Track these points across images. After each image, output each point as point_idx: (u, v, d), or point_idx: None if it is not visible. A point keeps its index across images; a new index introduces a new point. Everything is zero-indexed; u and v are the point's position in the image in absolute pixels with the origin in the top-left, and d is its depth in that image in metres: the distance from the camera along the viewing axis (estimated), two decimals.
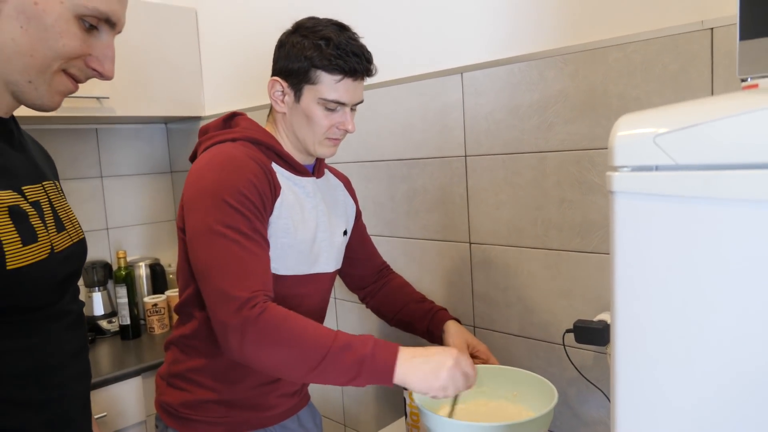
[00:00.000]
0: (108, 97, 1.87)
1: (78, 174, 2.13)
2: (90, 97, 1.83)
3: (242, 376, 1.08)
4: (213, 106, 2.09)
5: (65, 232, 0.80)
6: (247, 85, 1.94)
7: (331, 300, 1.73)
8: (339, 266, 1.21)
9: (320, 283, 1.14)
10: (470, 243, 1.34)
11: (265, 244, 0.98)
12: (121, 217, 2.24)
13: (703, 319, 0.44)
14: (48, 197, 0.80)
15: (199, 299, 1.05)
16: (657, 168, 0.46)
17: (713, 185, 0.43)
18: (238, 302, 0.89)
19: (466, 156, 1.32)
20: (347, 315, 1.69)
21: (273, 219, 1.02)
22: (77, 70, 0.74)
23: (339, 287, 1.69)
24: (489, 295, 1.32)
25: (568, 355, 1.15)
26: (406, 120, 1.44)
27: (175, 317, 1.16)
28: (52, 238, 0.76)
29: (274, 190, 1.03)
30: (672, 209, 0.45)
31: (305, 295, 1.10)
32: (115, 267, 2.04)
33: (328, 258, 1.14)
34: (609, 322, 1.06)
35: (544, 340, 1.22)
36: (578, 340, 1.08)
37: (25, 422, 0.73)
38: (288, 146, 1.10)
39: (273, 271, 1.02)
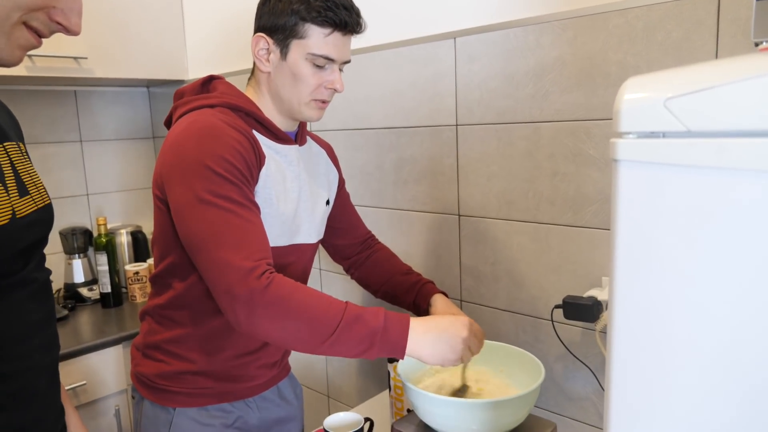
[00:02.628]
0: (86, 58, 1.79)
1: (57, 138, 2.05)
2: (67, 57, 1.75)
3: (220, 347, 1.05)
4: (197, 69, 2.01)
5: (29, 196, 0.75)
6: (232, 47, 1.86)
7: (316, 271, 1.70)
8: (321, 236, 1.17)
9: (302, 254, 1.10)
10: (459, 215, 1.31)
11: (257, 210, 0.95)
12: (102, 183, 2.17)
13: (712, 297, 0.41)
14: (10, 159, 0.75)
15: (178, 270, 1.01)
16: (666, 135, 0.42)
17: (727, 154, 0.39)
18: (242, 271, 0.85)
19: (457, 125, 1.28)
20: (332, 286, 1.66)
21: (257, 189, 0.98)
22: (39, 23, 0.68)
23: (324, 258, 1.66)
24: (477, 268, 1.29)
25: (555, 331, 1.13)
26: (396, 87, 1.38)
27: (148, 288, 1.12)
28: (13, 203, 0.71)
29: (259, 158, 0.98)
30: (681, 179, 0.41)
31: (287, 266, 1.07)
32: (95, 234, 1.98)
33: (310, 228, 1.10)
34: (599, 298, 1.04)
35: (531, 315, 1.20)
36: (567, 316, 1.05)
37: None
38: (270, 112, 1.05)
39: None
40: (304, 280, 1.16)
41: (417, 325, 0.88)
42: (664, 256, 0.43)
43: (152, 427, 1.08)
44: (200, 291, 1.00)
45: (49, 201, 0.81)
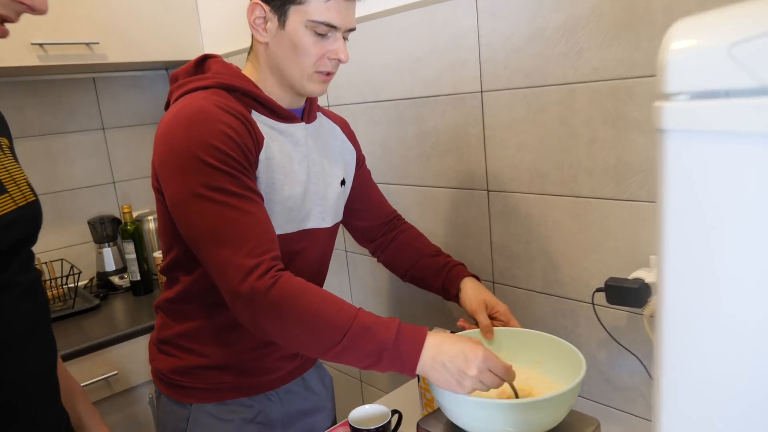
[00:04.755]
0: (98, 42, 1.74)
1: (78, 126, 2.03)
2: (78, 43, 1.70)
3: (233, 340, 0.99)
4: (213, 48, 1.93)
5: (7, 194, 0.69)
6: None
7: (341, 253, 1.63)
8: (338, 219, 1.09)
9: (315, 239, 1.02)
10: (488, 190, 1.20)
11: (260, 199, 0.88)
12: (127, 170, 2.15)
13: None
14: None
15: (184, 263, 0.96)
16: (730, 93, 0.31)
17: None
18: (243, 270, 0.80)
19: (482, 92, 1.16)
20: (358, 269, 1.59)
21: (258, 174, 0.90)
22: (2, 8, 0.62)
23: (350, 239, 1.58)
24: (509, 248, 1.18)
25: (597, 317, 1.02)
26: (414, 53, 1.27)
27: (163, 279, 1.07)
28: None
29: (257, 142, 0.90)
30: (749, 152, 0.30)
31: (299, 253, 0.99)
32: (122, 222, 1.97)
33: (323, 212, 1.02)
34: (646, 280, 0.92)
35: (570, 298, 1.10)
36: (610, 300, 0.94)
37: None
38: (271, 88, 0.96)
39: None
40: (323, 267, 1.09)
41: (431, 345, 0.81)
42: (723, 234, 0.33)
43: (171, 423, 1.04)
44: (207, 284, 0.94)
45: (34, 198, 0.76)
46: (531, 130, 1.09)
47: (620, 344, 1.01)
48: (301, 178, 0.96)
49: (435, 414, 0.93)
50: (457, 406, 0.82)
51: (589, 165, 1.02)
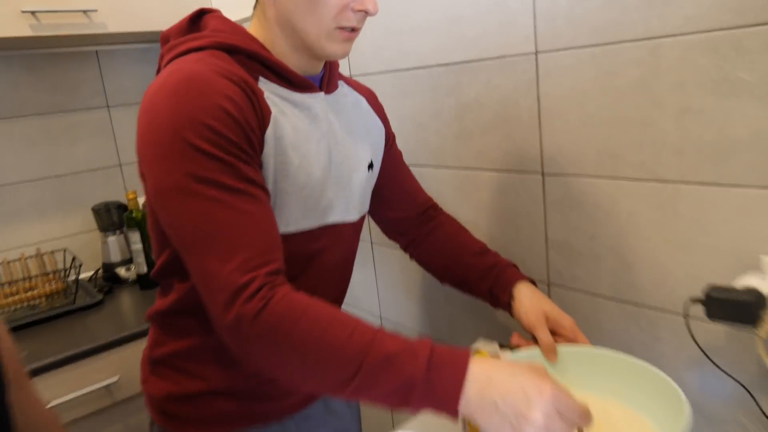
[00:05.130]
0: (96, 10, 1.56)
1: (82, 104, 1.87)
2: (74, 11, 1.53)
3: (238, 361, 0.82)
4: (224, 9, 1.74)
5: None
6: None
7: (366, 245, 1.44)
8: (365, 211, 0.90)
9: (339, 237, 0.83)
10: (543, 174, 0.99)
11: (263, 193, 0.69)
12: (135, 152, 1.99)
13: None
14: None
15: (176, 268, 0.78)
16: None
17: None
18: (229, 290, 0.63)
19: (537, 53, 0.95)
20: (386, 262, 1.40)
21: (264, 158, 0.71)
22: None
23: (375, 228, 1.39)
24: (569, 244, 0.98)
25: (691, 332, 0.82)
26: (452, 9, 1.06)
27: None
28: None
29: (262, 117, 0.71)
30: None
31: (318, 253, 0.81)
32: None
33: (348, 203, 0.83)
34: (761, 289, 0.71)
35: (649, 307, 0.89)
36: (712, 315, 0.74)
37: None
38: (282, 50, 0.77)
39: None
40: (346, 270, 0.90)
41: (476, 377, 0.61)
42: None
43: None
44: None
45: None
46: (601, 100, 0.88)
47: (720, 368, 0.80)
48: (320, 161, 0.77)
49: None
50: None
51: (678, 142, 0.80)
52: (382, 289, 1.43)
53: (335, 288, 0.89)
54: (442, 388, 0.60)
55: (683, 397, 0.66)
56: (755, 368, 0.78)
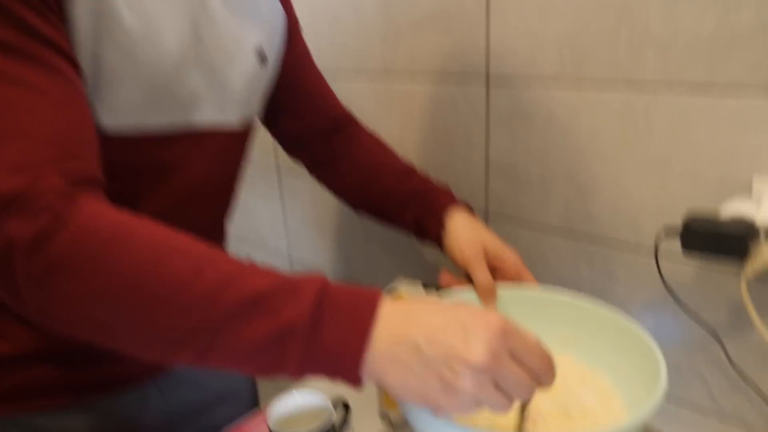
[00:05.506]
0: None
1: None
2: None
3: None
4: None
5: None
6: None
7: (272, 173, 1.21)
8: (252, 115, 0.68)
9: (210, 146, 0.61)
10: (489, 78, 0.81)
11: (65, 65, 0.45)
12: None
13: None
14: None
15: None
16: None
17: None
18: None
19: None
20: (296, 196, 1.19)
21: (69, 8, 0.46)
22: None
23: (284, 154, 1.17)
24: (515, 167, 0.81)
25: (660, 271, 0.68)
26: None
27: None
28: None
29: None
30: None
31: (176, 165, 0.58)
32: None
33: (224, 100, 0.61)
34: (753, 218, 0.58)
35: (606, 242, 0.75)
36: (688, 246, 0.60)
37: None
38: None
39: (96, 121, 0.50)
40: (224, 194, 0.69)
41: (389, 319, 0.41)
42: None
43: None
44: None
45: None
46: None
47: (689, 312, 0.67)
48: (178, 33, 0.53)
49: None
50: None
51: (663, 34, 0.64)
52: (291, 225, 1.23)
53: (204, 219, 0.66)
54: (335, 339, 0.40)
55: (657, 352, 0.51)
56: (725, 313, 0.66)
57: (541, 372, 0.41)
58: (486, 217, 0.87)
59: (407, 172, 0.77)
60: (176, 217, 0.53)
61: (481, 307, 0.43)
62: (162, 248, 0.41)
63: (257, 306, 0.40)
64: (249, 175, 1.28)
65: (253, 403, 0.87)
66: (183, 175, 0.58)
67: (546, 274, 0.81)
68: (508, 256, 0.68)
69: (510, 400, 0.39)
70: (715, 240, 0.59)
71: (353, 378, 0.40)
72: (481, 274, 0.66)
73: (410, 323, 0.40)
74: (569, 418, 0.54)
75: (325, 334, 0.40)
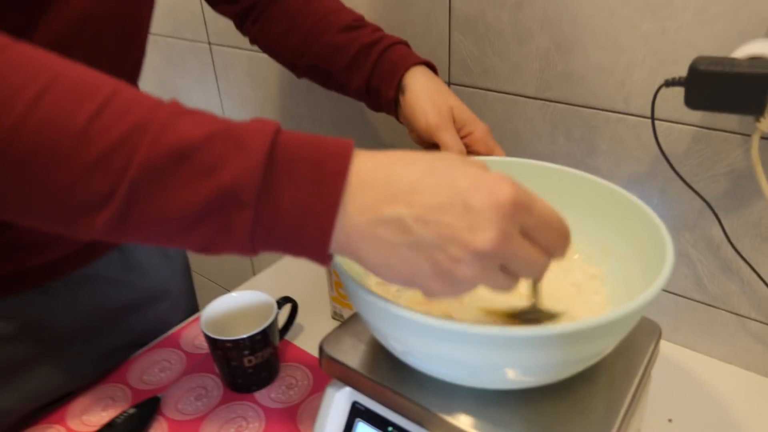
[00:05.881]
0: None
1: None
2: None
3: None
4: None
5: None
6: None
7: (204, 47, 1.04)
8: None
9: None
10: None
11: None
12: None
13: None
14: None
15: None
16: None
17: None
18: None
19: None
20: (231, 68, 1.03)
21: None
22: None
23: (214, 22, 1.00)
24: (485, 18, 0.67)
25: (655, 132, 0.57)
26: None
27: None
28: None
29: None
30: None
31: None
32: None
33: None
34: None
35: (586, 106, 0.64)
36: (694, 98, 0.50)
37: None
38: None
39: None
40: (125, 41, 0.54)
41: (365, 177, 0.31)
42: None
43: None
44: None
45: None
46: None
47: (686, 182, 0.58)
48: None
49: (352, 324, 0.48)
50: (413, 336, 0.36)
51: None
52: (226, 101, 1.08)
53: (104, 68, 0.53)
54: (294, 202, 0.30)
55: (662, 226, 0.42)
56: (723, 183, 0.57)
57: (555, 246, 0.32)
58: (449, 82, 0.74)
59: (354, 23, 0.62)
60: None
61: (480, 163, 0.32)
62: (44, 72, 0.29)
63: (186, 161, 0.29)
64: (178, 55, 1.11)
65: (190, 306, 0.78)
66: (66, 7, 0.43)
67: (516, 148, 0.70)
68: (477, 126, 0.58)
69: (516, 280, 0.32)
70: (729, 87, 0.48)
71: (318, 253, 0.31)
72: (451, 139, 0.55)
73: (394, 192, 0.30)
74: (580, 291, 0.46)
75: (281, 197, 0.29)
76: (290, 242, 0.31)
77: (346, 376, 0.44)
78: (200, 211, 0.29)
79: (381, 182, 0.30)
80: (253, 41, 0.68)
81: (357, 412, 0.45)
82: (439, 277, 0.30)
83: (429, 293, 0.32)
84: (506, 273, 0.31)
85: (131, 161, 0.28)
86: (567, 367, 0.37)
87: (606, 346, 0.37)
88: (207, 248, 0.31)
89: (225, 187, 0.29)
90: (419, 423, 0.40)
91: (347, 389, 0.45)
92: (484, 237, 0.29)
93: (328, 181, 0.30)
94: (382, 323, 0.37)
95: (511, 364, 0.35)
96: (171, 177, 0.29)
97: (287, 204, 0.29)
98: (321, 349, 0.45)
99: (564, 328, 0.32)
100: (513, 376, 0.36)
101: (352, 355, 0.44)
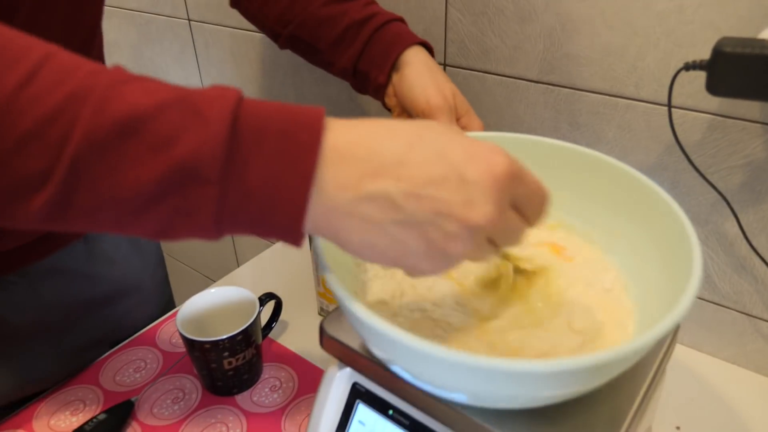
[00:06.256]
0: None
1: None
2: None
3: None
4: None
5: None
6: None
7: (183, 25, 0.98)
8: None
9: None
10: None
11: None
12: None
13: None
14: None
15: None
16: None
17: None
18: None
19: None
20: (213, 43, 0.97)
21: None
22: None
23: (195, 2, 0.94)
24: None
25: (671, 117, 0.53)
26: None
27: None
28: None
29: None
30: None
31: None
32: None
33: None
34: None
35: (593, 91, 0.59)
36: (716, 85, 0.46)
37: None
38: None
39: None
40: (75, 21, 0.48)
41: (343, 148, 0.27)
42: None
43: None
44: None
45: None
46: None
47: (701, 174, 0.54)
48: None
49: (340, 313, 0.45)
50: (400, 353, 0.32)
51: None
52: (207, 80, 1.02)
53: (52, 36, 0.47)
54: (262, 177, 0.26)
55: (685, 221, 0.38)
56: (740, 176, 0.54)
57: (537, 216, 0.32)
58: (444, 66, 0.69)
59: None
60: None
61: (472, 135, 0.29)
62: None
63: (135, 134, 0.25)
64: (156, 31, 1.04)
65: (164, 300, 0.73)
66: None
67: (520, 126, 0.66)
68: (473, 121, 0.54)
69: (498, 250, 0.31)
70: (756, 70, 0.44)
71: (291, 233, 0.28)
72: (450, 122, 0.51)
73: (379, 166, 0.27)
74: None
75: (248, 171, 0.26)
76: (260, 222, 0.27)
77: (347, 357, 0.41)
78: (154, 191, 0.25)
79: (362, 155, 0.27)
80: (233, 4, 0.63)
81: (357, 394, 0.42)
82: (431, 254, 0.28)
83: (416, 272, 0.29)
84: (491, 244, 0.30)
85: (70, 135, 0.24)
86: (580, 390, 0.33)
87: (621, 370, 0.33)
88: (164, 233, 0.27)
89: (183, 162, 0.25)
90: (419, 406, 0.38)
91: (348, 370, 0.43)
92: (482, 211, 0.27)
93: (301, 153, 0.26)
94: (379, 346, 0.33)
95: (526, 395, 0.31)
96: (118, 152, 0.25)
97: (255, 179, 0.26)
98: (322, 329, 0.42)
99: (594, 359, 0.28)
100: (525, 403, 0.32)
101: (354, 335, 0.41)
